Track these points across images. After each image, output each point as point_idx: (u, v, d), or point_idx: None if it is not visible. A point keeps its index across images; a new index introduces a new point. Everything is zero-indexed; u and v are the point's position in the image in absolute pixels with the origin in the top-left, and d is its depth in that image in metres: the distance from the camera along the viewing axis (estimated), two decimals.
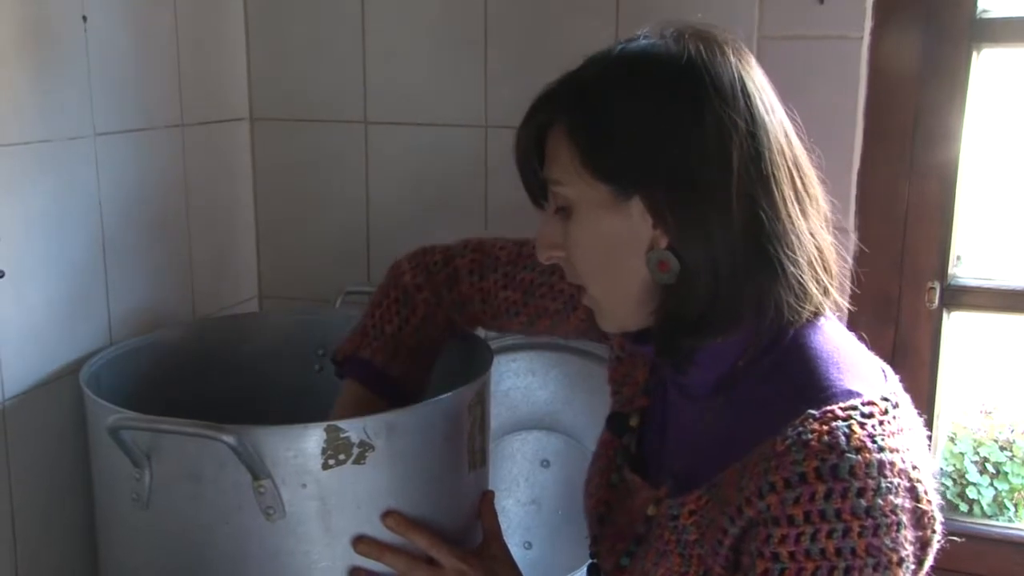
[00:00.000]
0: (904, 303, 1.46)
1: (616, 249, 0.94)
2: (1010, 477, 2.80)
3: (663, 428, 1.06)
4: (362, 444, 1.05)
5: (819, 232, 0.95)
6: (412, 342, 1.20)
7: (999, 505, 2.79)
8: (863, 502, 0.83)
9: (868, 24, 1.38)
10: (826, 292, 0.95)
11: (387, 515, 1.08)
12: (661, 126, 0.90)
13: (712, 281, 0.90)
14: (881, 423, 0.87)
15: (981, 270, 1.48)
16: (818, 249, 0.94)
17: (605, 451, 1.13)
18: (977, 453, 2.82)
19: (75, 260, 1.33)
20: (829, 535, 0.83)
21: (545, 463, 1.59)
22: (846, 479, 0.83)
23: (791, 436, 0.86)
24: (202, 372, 1.42)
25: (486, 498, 1.22)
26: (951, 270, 1.46)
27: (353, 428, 1.05)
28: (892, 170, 1.43)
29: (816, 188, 0.95)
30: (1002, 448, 2.84)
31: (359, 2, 1.60)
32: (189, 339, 1.44)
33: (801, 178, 0.93)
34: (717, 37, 0.94)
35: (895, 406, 0.89)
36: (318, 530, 1.06)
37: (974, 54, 1.39)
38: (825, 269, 0.95)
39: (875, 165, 1.43)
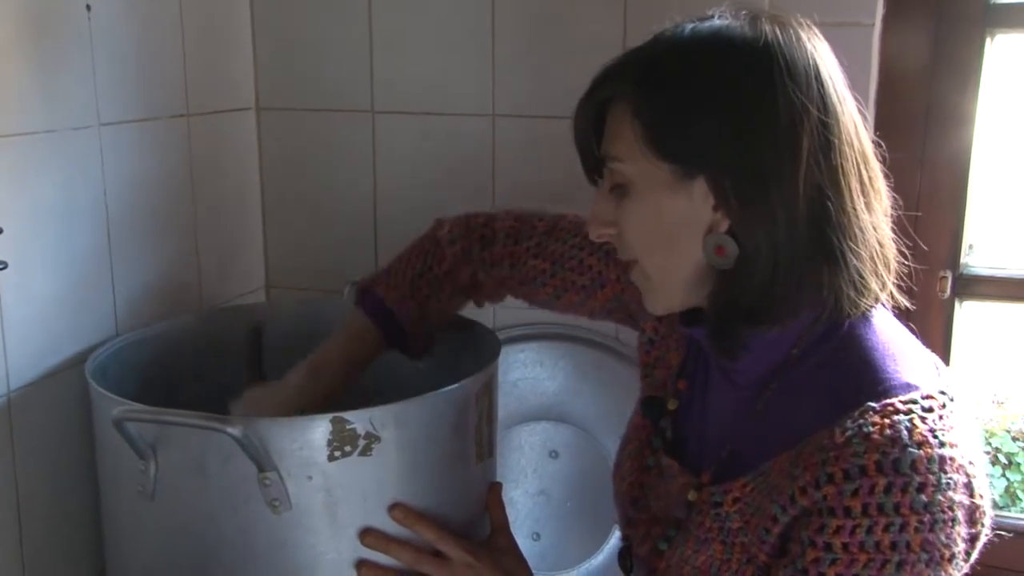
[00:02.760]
0: (916, 292, 1.45)
1: (673, 230, 0.92)
2: (1022, 467, 2.79)
3: (703, 412, 1.05)
4: (368, 435, 1.05)
5: (881, 227, 0.93)
6: (428, 291, 1.21)
7: (1011, 496, 2.78)
8: (923, 497, 0.83)
9: (880, 10, 1.36)
10: (884, 287, 0.94)
11: (394, 507, 1.08)
12: (732, 108, 0.88)
13: (770, 269, 0.88)
14: (940, 417, 0.86)
15: (994, 259, 1.47)
16: (880, 244, 0.92)
17: (637, 435, 1.12)
18: (989, 444, 2.81)
19: (80, 250, 1.32)
20: (886, 529, 0.83)
21: (554, 454, 1.59)
22: (907, 473, 0.83)
23: (851, 428, 0.86)
24: (208, 363, 1.41)
25: (494, 490, 1.21)
26: (963, 259, 1.45)
27: (359, 419, 1.04)
28: (904, 158, 1.42)
29: (880, 183, 0.94)
30: (1014, 438, 2.83)
31: None
32: (195, 330, 1.44)
33: (868, 171, 0.92)
34: (793, 21, 0.92)
35: (952, 400, 0.89)
36: (324, 522, 1.06)
37: (988, 40, 1.37)
38: (885, 265, 0.93)
39: (887, 153, 1.41)
